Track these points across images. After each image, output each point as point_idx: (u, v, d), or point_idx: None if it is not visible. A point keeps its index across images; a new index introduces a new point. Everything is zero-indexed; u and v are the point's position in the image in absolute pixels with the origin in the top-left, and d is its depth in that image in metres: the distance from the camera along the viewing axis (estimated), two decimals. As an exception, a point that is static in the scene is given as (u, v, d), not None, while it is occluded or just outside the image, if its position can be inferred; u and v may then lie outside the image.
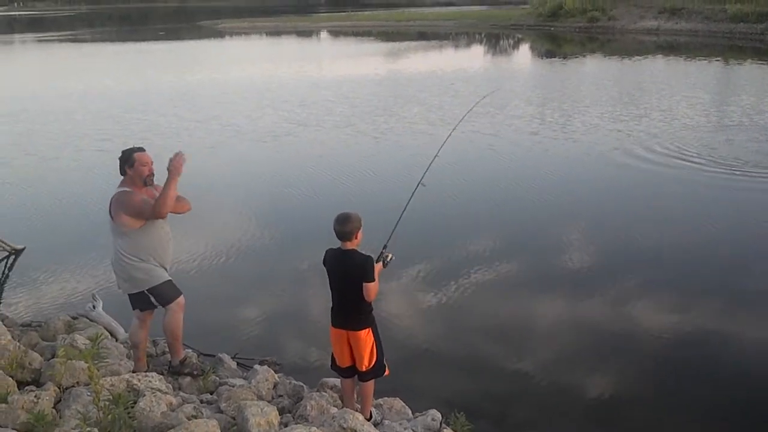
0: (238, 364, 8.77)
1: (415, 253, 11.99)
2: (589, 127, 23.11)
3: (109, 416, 4.81)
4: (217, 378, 7.50)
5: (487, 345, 9.25)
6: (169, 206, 6.56)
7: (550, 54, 54.01)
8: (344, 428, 5.57)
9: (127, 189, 6.64)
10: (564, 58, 48.91)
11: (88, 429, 4.63)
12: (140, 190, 6.69)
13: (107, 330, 9.06)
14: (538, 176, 17.51)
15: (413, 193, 7.06)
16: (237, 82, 38.29)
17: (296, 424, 5.78)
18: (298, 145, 22.14)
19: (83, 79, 41.62)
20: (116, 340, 8.90)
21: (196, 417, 5.70)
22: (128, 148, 6.83)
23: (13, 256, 12.71)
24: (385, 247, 6.39)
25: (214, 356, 8.64)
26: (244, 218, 14.81)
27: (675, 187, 16.10)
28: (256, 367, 7.81)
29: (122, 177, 6.73)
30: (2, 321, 9.90)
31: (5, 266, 12.45)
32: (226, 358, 8.52)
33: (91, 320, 9.61)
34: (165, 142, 22.90)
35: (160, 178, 6.87)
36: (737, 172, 16.89)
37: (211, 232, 13.85)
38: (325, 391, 7.23)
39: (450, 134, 7.83)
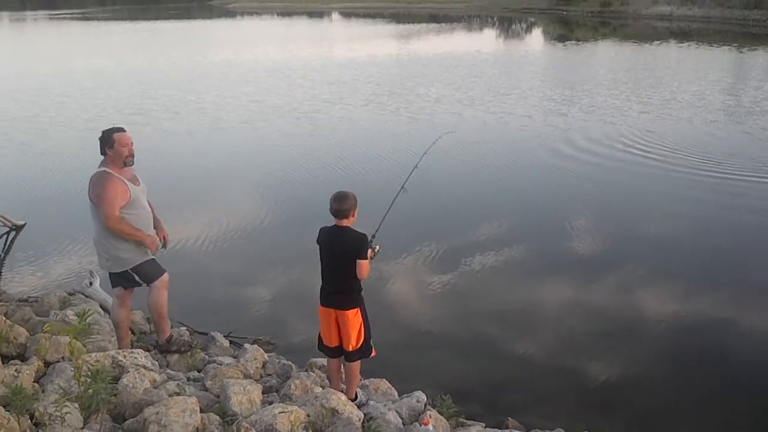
0: (231, 342, 8.79)
1: (408, 236, 11.95)
2: (617, 110, 23.11)
3: (90, 390, 4.80)
4: (206, 356, 7.50)
5: (480, 329, 9.20)
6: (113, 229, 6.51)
7: (563, 38, 53.80)
8: (326, 408, 5.56)
9: (107, 170, 6.51)
10: (578, 42, 48.75)
11: (67, 404, 4.63)
12: (120, 170, 6.58)
13: (102, 306, 9.07)
14: (563, 158, 17.46)
15: (395, 198, 6.90)
16: (261, 61, 38.60)
17: (279, 403, 5.78)
18: (326, 123, 22.27)
19: (108, 56, 41.90)
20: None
21: (179, 394, 5.71)
22: (108, 128, 6.71)
23: (14, 232, 12.75)
24: (373, 236, 6.33)
25: (206, 334, 8.66)
26: (255, 196, 14.80)
27: (698, 176, 15.82)
28: (246, 345, 7.82)
29: (102, 156, 6.63)
30: (-2, 297, 9.98)
31: (6, 241, 12.49)
32: (219, 336, 8.52)
33: (86, 296, 9.62)
34: (196, 118, 23.24)
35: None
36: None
37: (216, 210, 13.89)
38: (313, 371, 7.23)
39: (420, 159, 7.71)
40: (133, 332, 8.38)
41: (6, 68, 40.04)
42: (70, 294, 9.82)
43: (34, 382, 5.53)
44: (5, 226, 12.72)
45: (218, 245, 12.26)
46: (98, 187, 6.46)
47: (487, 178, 15.97)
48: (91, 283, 9.90)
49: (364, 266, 5.91)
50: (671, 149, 17.95)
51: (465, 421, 6.97)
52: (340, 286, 6.05)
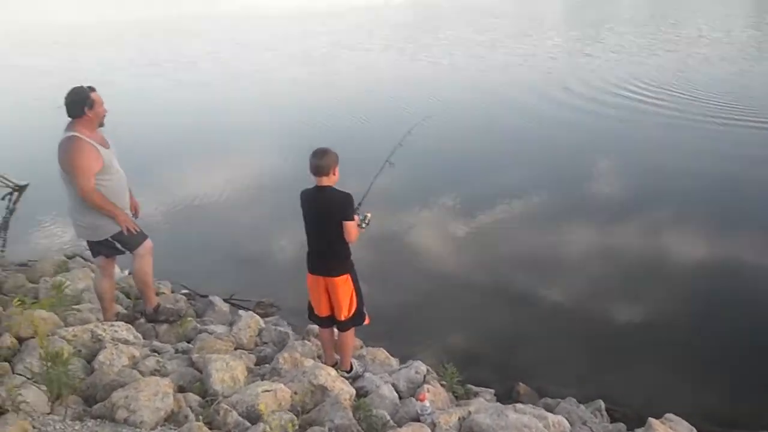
0: (233, 305, 8.44)
1: (415, 188, 11.54)
2: (644, 49, 22.33)
3: (52, 373, 4.44)
4: (198, 324, 7.11)
5: (489, 287, 8.72)
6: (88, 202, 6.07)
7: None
8: (313, 385, 5.16)
9: (77, 134, 5.98)
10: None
11: (20, 393, 4.27)
12: (93, 134, 6.08)
13: (100, 270, 8.72)
14: (588, 101, 16.83)
15: (379, 172, 6.33)
16: (276, 8, 37.93)
17: (263, 380, 5.40)
18: (343, 70, 21.81)
19: (113, 5, 41.43)
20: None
21: (159, 371, 5.35)
22: (78, 86, 6.12)
23: (16, 193, 12.44)
24: (359, 204, 5.80)
25: (207, 297, 8.32)
26: (266, 150, 14.38)
27: (728, 123, 14.99)
28: (241, 312, 7.45)
29: (72, 119, 6.05)
30: (-5, 261, 9.71)
31: (9, 203, 12.20)
32: (218, 300, 8.16)
33: (85, 260, 9.31)
34: (211, 68, 22.91)
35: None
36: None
37: (223, 165, 13.52)
38: (309, 340, 6.84)
39: (405, 136, 7.01)
40: (128, 296, 8.06)
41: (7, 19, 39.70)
42: (69, 257, 9.51)
43: (4, 361, 5.17)
44: (8, 187, 12.41)
45: (226, 202, 11.91)
46: (71, 155, 5.97)
47: (509, 124, 15.40)
48: (91, 246, 9.55)
49: (351, 228, 5.43)
50: (701, 92, 17.18)
51: (472, 387, 6.58)
52: (328, 251, 5.59)
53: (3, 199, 12.26)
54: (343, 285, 5.63)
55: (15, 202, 12.21)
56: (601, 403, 6.23)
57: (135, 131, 15.78)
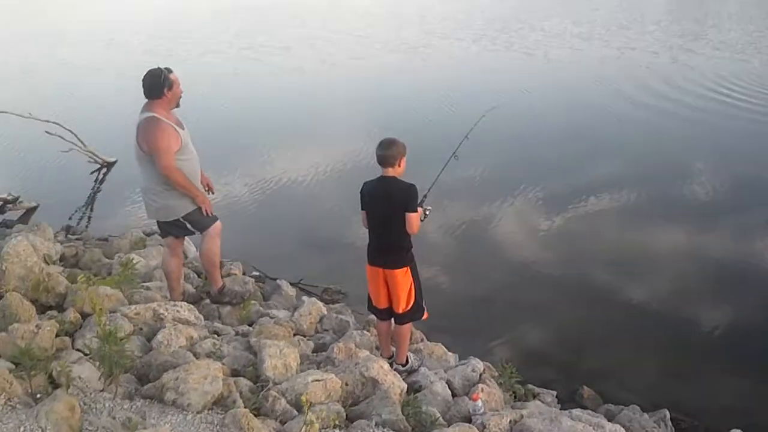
0: (300, 289, 8.47)
1: (481, 180, 11.30)
2: (750, 46, 21.43)
3: (104, 351, 4.50)
4: (261, 308, 7.15)
5: (558, 284, 8.45)
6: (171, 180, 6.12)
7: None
8: (365, 377, 5.09)
9: (156, 116, 6.04)
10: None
11: (71, 368, 4.35)
12: (169, 114, 6.16)
13: (177, 249, 8.86)
14: (687, 98, 16.25)
15: (444, 166, 6.15)
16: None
17: (318, 368, 5.37)
18: (434, 60, 21.65)
19: None
20: (185, 258, 8.60)
21: (214, 353, 5.38)
22: (156, 68, 6.18)
23: (105, 169, 12.85)
24: (424, 197, 5.67)
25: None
26: (349, 135, 14.36)
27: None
28: (305, 298, 7.44)
29: (150, 100, 6.11)
30: (78, 235, 10.03)
31: (97, 178, 12.62)
32: (285, 284, 8.20)
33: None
34: (306, 54, 23.15)
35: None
36: None
37: (304, 149, 13.59)
38: (369, 330, 6.78)
39: (471, 130, 6.71)
40: (200, 276, 8.17)
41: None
42: (148, 234, 9.72)
43: (66, 335, 5.30)
44: (96, 162, 12.83)
45: (305, 187, 11.96)
46: (153, 135, 6.05)
47: (597, 119, 14.97)
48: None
49: (414, 220, 5.32)
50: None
51: (533, 388, 6.40)
52: (389, 243, 5.52)
53: (92, 174, 12.71)
54: (403, 277, 5.54)
55: (103, 178, 12.64)
56: (666, 413, 5.94)
57: (224, 112, 16.13)
